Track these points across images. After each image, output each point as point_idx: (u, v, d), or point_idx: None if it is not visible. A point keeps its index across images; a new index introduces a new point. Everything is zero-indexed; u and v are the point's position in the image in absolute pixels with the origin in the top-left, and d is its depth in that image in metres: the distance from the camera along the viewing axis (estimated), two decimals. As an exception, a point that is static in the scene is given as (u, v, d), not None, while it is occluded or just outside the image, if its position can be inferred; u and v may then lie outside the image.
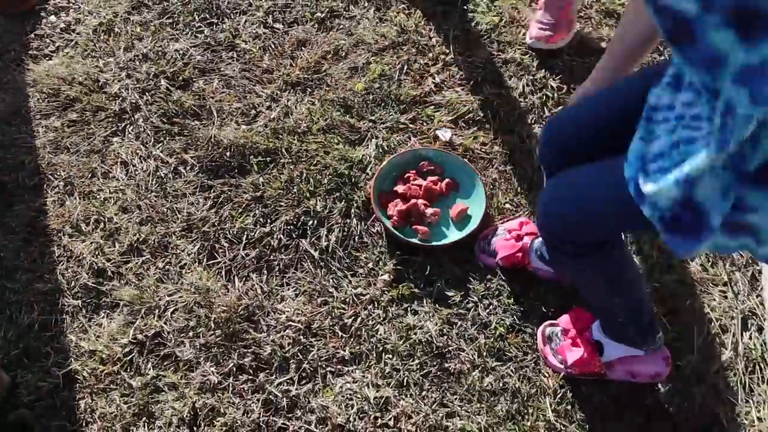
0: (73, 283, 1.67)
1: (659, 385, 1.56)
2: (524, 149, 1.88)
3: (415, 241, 1.69)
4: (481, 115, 1.94)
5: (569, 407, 1.52)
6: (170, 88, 2.00)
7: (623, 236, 1.43)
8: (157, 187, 1.81)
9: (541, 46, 2.03)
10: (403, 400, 1.51)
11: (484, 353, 1.57)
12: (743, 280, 1.74)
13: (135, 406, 1.50)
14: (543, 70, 2.03)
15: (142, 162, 1.86)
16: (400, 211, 1.72)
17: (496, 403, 1.51)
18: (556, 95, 1.98)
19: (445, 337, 1.59)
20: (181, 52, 2.08)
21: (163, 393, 1.51)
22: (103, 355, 1.57)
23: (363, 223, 1.74)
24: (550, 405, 1.51)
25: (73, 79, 2.03)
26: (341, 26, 2.14)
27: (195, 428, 1.47)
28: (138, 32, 2.13)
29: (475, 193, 1.77)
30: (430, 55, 2.06)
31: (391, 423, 1.48)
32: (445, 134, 1.89)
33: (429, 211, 1.73)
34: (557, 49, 2.04)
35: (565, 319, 1.57)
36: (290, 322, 1.60)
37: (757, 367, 1.62)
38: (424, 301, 1.63)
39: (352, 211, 1.76)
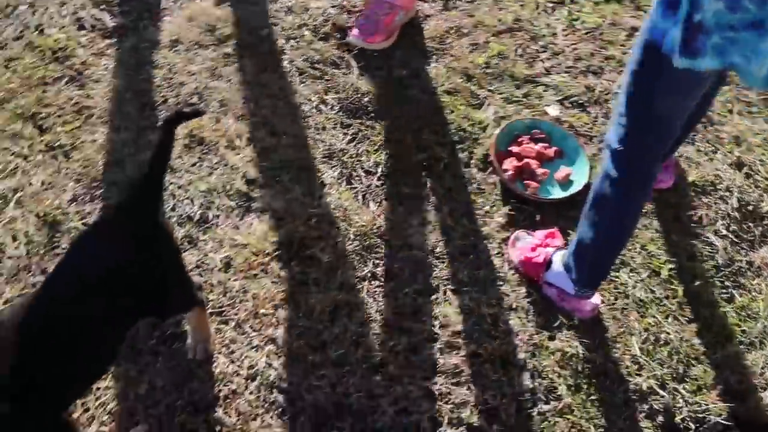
0: (228, 186, 1.91)
1: (724, 343, 1.80)
2: (621, 132, 2.14)
3: (526, 193, 1.95)
4: (584, 99, 2.22)
5: (651, 347, 1.76)
6: (313, 39, 2.26)
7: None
8: (301, 120, 2.06)
9: (358, 44, 2.24)
10: (512, 320, 1.75)
11: (581, 293, 1.82)
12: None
13: (283, 292, 1.73)
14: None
15: (287, 96, 2.11)
16: (515, 167, 1.98)
17: (590, 334, 1.76)
18: (650, 92, 2.26)
19: (548, 275, 1.84)
20: (321, 10, 2.35)
21: (307, 286, 1.75)
22: (254, 249, 1.80)
23: (482, 173, 2.00)
24: (636, 343, 1.76)
25: (227, 19, 2.29)
26: (463, 8, 2.42)
27: (334, 319, 1.71)
28: (283, -10, 2.40)
29: (578, 161, 2.03)
30: (541, 43, 2.34)
31: (502, 336, 1.72)
32: (553, 110, 2.16)
33: (540, 170, 1.99)
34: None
35: (541, 233, 1.84)
36: (417, 244, 1.84)
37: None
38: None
39: (473, 161, 2.02)
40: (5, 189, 1.96)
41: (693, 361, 1.77)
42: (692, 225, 2.01)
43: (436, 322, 1.73)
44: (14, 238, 1.86)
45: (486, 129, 2.09)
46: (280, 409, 1.58)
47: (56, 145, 2.05)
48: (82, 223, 1.88)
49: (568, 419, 1.63)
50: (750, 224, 2.05)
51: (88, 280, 1.26)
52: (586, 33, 2.39)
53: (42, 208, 1.91)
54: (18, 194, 1.95)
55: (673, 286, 1.87)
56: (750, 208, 2.08)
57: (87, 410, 1.59)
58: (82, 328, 1.25)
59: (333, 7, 2.36)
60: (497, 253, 1.86)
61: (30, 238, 1.86)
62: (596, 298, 1.76)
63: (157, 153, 1.33)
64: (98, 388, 1.62)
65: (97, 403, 1.61)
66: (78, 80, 2.20)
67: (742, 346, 1.81)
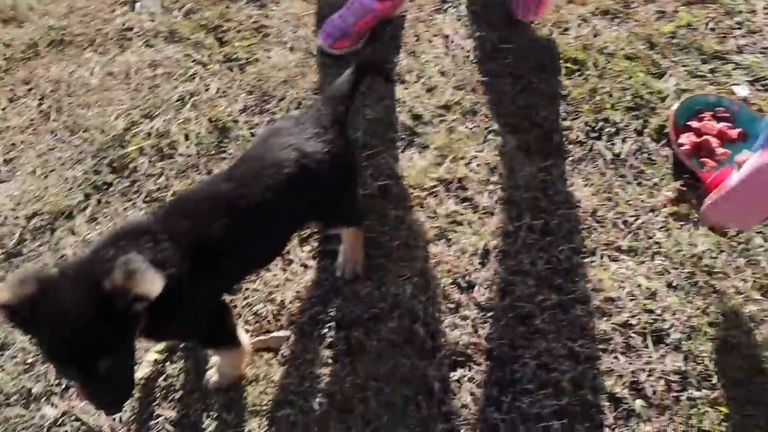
0: (393, 119, 1.92)
1: None
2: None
3: (702, 170, 1.82)
4: (785, 84, 2.04)
5: None
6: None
7: None
8: (473, 64, 2.03)
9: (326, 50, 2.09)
10: (670, 297, 1.66)
11: (749, 284, 1.69)
12: None
13: (437, 228, 1.73)
14: None
15: (462, 40, 2.08)
16: (692, 142, 1.85)
17: (756, 330, 1.63)
18: None
19: (714, 259, 1.72)
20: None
21: (462, 226, 1.74)
22: (413, 182, 1.81)
23: (655, 144, 1.89)
24: None
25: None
26: (654, -27, 2.28)
27: (485, 263, 1.69)
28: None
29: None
30: (737, 19, 2.16)
31: (658, 311, 1.63)
32: (742, 90, 2.00)
33: (719, 150, 1.86)
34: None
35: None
36: (579, 203, 1.78)
37: None
38: (699, 224, 1.77)
39: (647, 131, 1.91)
40: (184, 92, 2.07)
41: None
42: None
43: (589, 285, 1.66)
44: (186, 137, 1.97)
45: (665, 100, 1.96)
46: (420, 341, 1.58)
47: (233, 57, 2.14)
48: (251, 133, 1.96)
49: (721, 411, 1.53)
50: None
51: (278, 172, 1.31)
52: (788, 15, 2.19)
53: (215, 114, 2.00)
54: (194, 98, 2.05)
55: None
56: None
57: (234, 307, 1.67)
58: (260, 216, 1.30)
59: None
60: (661, 227, 1.76)
61: (200, 140, 1.96)
62: None
63: (343, 94, 1.40)
64: (246, 289, 1.69)
65: (244, 303, 1.68)
66: (258, 0, 2.28)
67: None
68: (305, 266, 1.72)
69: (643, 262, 1.71)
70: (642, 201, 1.80)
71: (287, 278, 1.70)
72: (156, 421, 1.51)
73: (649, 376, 1.56)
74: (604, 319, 1.62)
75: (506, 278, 1.66)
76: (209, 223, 1.25)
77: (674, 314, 1.64)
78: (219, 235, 1.25)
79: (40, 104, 2.11)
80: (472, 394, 1.52)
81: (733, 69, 2.06)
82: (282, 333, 1.64)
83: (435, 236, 1.72)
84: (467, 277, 1.66)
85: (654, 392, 1.54)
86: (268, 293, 1.69)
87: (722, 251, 1.73)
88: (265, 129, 1.70)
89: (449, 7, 2.18)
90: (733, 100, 1.95)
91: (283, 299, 1.67)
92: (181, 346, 1.60)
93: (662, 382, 1.56)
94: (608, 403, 1.53)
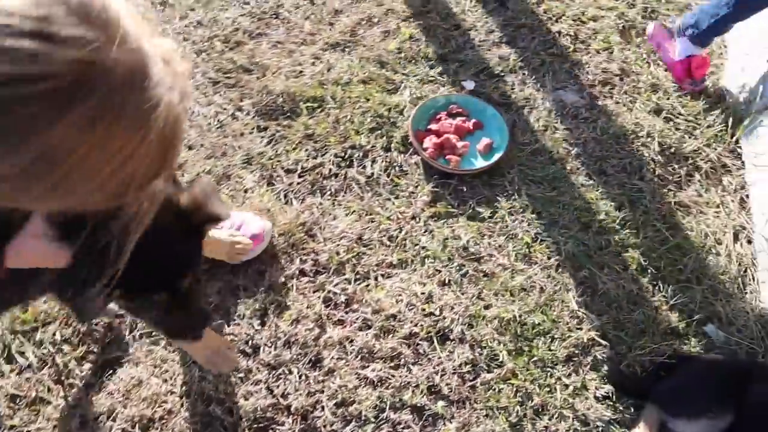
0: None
1: (661, 285, 1.80)
2: (538, 97, 2.15)
3: (449, 167, 1.94)
4: (500, 69, 2.22)
5: (588, 299, 1.76)
6: (224, 49, 2.25)
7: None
8: (218, 129, 2.05)
9: None
10: (446, 294, 1.74)
11: (512, 258, 1.81)
12: (733, 202, 2.01)
13: (211, 303, 1.71)
14: (551, 33, 2.32)
15: (203, 108, 2.10)
16: (435, 144, 1.97)
17: (526, 297, 1.75)
18: (563, 51, 2.27)
19: (478, 245, 1.83)
20: (231, 19, 2.34)
21: (239, 292, 1.73)
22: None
23: (402, 156, 1.99)
24: (573, 297, 1.75)
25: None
26: (372, -2, 2.43)
27: (265, 320, 1.69)
28: (190, 4, 2.39)
29: (498, 129, 2.03)
30: (452, 21, 2.34)
31: (437, 312, 1.71)
32: (469, 84, 2.16)
33: (460, 144, 1.99)
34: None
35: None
36: (344, 234, 1.83)
37: (749, 270, 1.88)
38: (458, 217, 1.88)
39: (392, 145, 2.01)
40: None
41: (632, 307, 1.76)
42: (618, 174, 2.01)
43: (369, 308, 1.71)
44: None
45: (403, 112, 2.08)
46: (218, 422, 1.55)
47: None
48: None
49: (513, 384, 1.62)
50: (674, 166, 2.06)
51: None
52: (495, 4, 2.41)
53: None
54: None
55: (604, 236, 1.88)
56: (672, 150, 2.08)
57: None
58: None
59: (242, 16, 2.36)
60: (425, 231, 1.85)
61: None
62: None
63: None
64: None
65: None
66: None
67: (679, 284, 1.81)
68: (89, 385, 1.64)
69: (415, 270, 1.78)
70: (402, 212, 1.88)
71: (72, 401, 1.62)
72: None
73: (442, 375, 1.62)
74: (390, 336, 1.67)
75: (287, 330, 1.67)
76: None
77: (452, 309, 1.72)
78: None
79: None
80: (277, 456, 1.51)
81: (459, 66, 2.23)
82: None
83: (213, 310, 1.71)
84: (250, 342, 1.66)
85: (450, 389, 1.60)
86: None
87: (484, 236, 1.85)
88: None
89: (186, 80, 2.19)
90: (463, 95, 2.11)
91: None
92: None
93: (455, 377, 1.62)
94: (412, 416, 1.57)
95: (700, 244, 1.90)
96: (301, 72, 2.19)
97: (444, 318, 1.70)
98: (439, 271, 1.78)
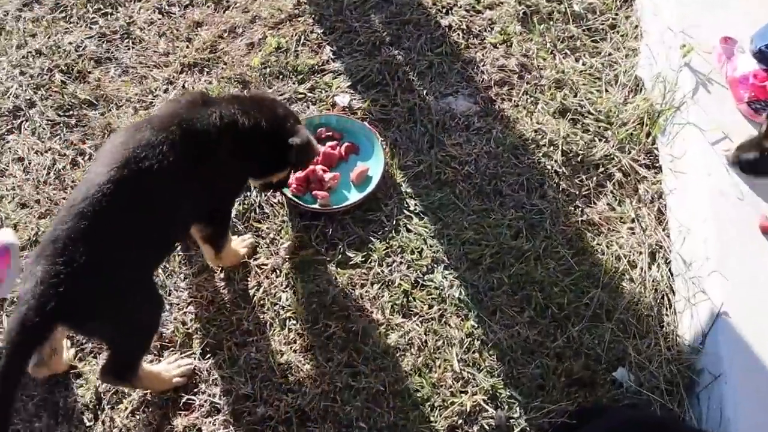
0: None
1: (564, 326, 1.55)
2: (424, 107, 1.87)
3: (315, 206, 1.68)
4: (380, 77, 1.93)
5: (477, 355, 1.51)
6: (65, 81, 1.96)
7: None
8: (55, 180, 1.78)
9: None
10: (308, 364, 1.50)
11: (387, 311, 1.56)
12: (650, 215, 1.74)
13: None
14: (440, 28, 2.02)
15: (38, 156, 1.82)
16: (298, 179, 1.70)
17: (402, 358, 1.50)
18: (454, 49, 1.98)
19: (347, 299, 1.58)
20: (75, 44, 2.04)
21: (66, 383, 1.49)
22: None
23: (263, 195, 1.73)
24: (457, 355, 1.51)
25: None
26: (237, 4, 2.12)
27: (99, 412, 1.45)
28: (30, 29, 2.09)
29: (374, 154, 1.76)
30: (327, 23, 2.05)
31: (296, 387, 1.47)
32: (343, 100, 1.88)
33: (328, 175, 1.72)
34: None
35: None
36: (192, 299, 1.58)
37: (666, 298, 1.63)
38: (326, 265, 1.62)
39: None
40: None
41: (528, 358, 1.52)
42: (515, 194, 1.75)
43: (217, 389, 1.47)
44: None
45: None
46: None
47: None
48: None
49: None
50: (582, 177, 1.79)
51: None
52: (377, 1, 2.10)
53: None
54: None
55: (497, 274, 1.62)
56: (579, 158, 1.81)
57: None
58: None
59: (89, 38, 2.06)
60: (286, 287, 1.59)
61: None
62: None
63: None
64: None
65: None
66: None
67: (586, 323, 1.57)
68: None
69: (273, 336, 1.54)
70: (262, 265, 1.62)
71: None
72: None
73: None
74: (243, 420, 1.44)
75: (123, 423, 1.43)
76: None
77: (315, 382, 1.47)
78: None
79: None
80: None
81: (334, 78, 1.94)
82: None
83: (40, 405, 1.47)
84: (78, 444, 1.42)
85: None
86: None
87: (355, 286, 1.59)
88: None
89: (22, 121, 1.90)
90: (335, 115, 1.83)
91: None
92: None
93: None
94: None
95: (611, 269, 1.65)
96: (152, 102, 1.90)
97: (305, 394, 1.46)
98: (302, 335, 1.53)
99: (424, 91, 1.90)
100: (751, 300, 1.47)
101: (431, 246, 1.65)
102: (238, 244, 1.62)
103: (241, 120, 1.36)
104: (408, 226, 1.68)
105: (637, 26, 2.05)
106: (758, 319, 1.45)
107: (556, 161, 1.78)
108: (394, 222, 1.68)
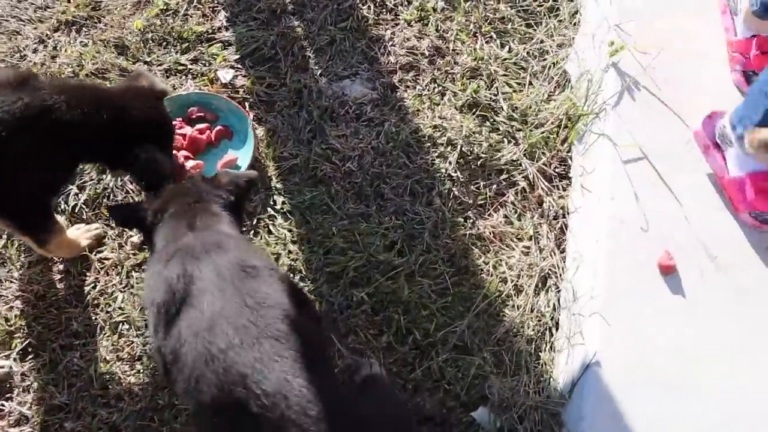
0: None
1: (421, 359, 1.38)
2: (314, 90, 1.66)
3: (168, 198, 1.50)
4: (273, 52, 1.71)
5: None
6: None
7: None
8: None
9: None
10: (133, 376, 1.36)
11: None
12: (550, 234, 1.54)
13: None
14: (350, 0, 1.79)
15: None
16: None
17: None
18: (362, 25, 1.75)
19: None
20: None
21: None
22: None
23: (119, 179, 1.56)
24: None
25: None
26: (134, -46, 1.90)
27: None
28: None
29: (248, 141, 1.57)
30: (231, -18, 1.82)
31: (114, 402, 1.34)
32: (226, 75, 1.67)
33: (190, 163, 1.54)
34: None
35: None
36: (22, 293, 1.44)
37: (548, 332, 1.44)
38: (176, 265, 1.46)
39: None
40: None
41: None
42: (398, 198, 1.55)
43: (29, 397, 1.35)
44: None
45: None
46: None
47: None
48: None
49: None
50: (480, 183, 1.58)
51: None
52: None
53: None
54: None
55: (358, 289, 1.44)
56: (480, 162, 1.60)
57: None
58: None
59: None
60: (125, 286, 1.44)
61: None
62: None
63: None
64: None
65: None
66: None
67: (450, 352, 1.39)
68: None
69: (102, 340, 1.40)
70: (104, 259, 1.47)
71: None
72: None
73: None
74: (50, 434, 1.32)
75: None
76: None
77: (134, 398, 1.34)
78: None
79: None
80: None
81: (222, 49, 1.72)
82: None
83: None
84: None
85: None
86: None
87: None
88: None
89: None
90: (208, 93, 1.63)
91: None
92: None
93: None
94: None
95: (494, 293, 1.46)
96: (17, 64, 1.72)
97: (121, 410, 1.32)
98: (131, 343, 1.39)
99: (319, 72, 1.68)
100: (627, 354, 1.27)
101: (291, 252, 1.47)
102: (82, 234, 1.47)
103: (55, 115, 1.18)
104: (270, 227, 1.50)
105: (576, 12, 1.79)
106: (631, 377, 1.25)
107: (450, 163, 1.57)
108: (255, 221, 1.51)
